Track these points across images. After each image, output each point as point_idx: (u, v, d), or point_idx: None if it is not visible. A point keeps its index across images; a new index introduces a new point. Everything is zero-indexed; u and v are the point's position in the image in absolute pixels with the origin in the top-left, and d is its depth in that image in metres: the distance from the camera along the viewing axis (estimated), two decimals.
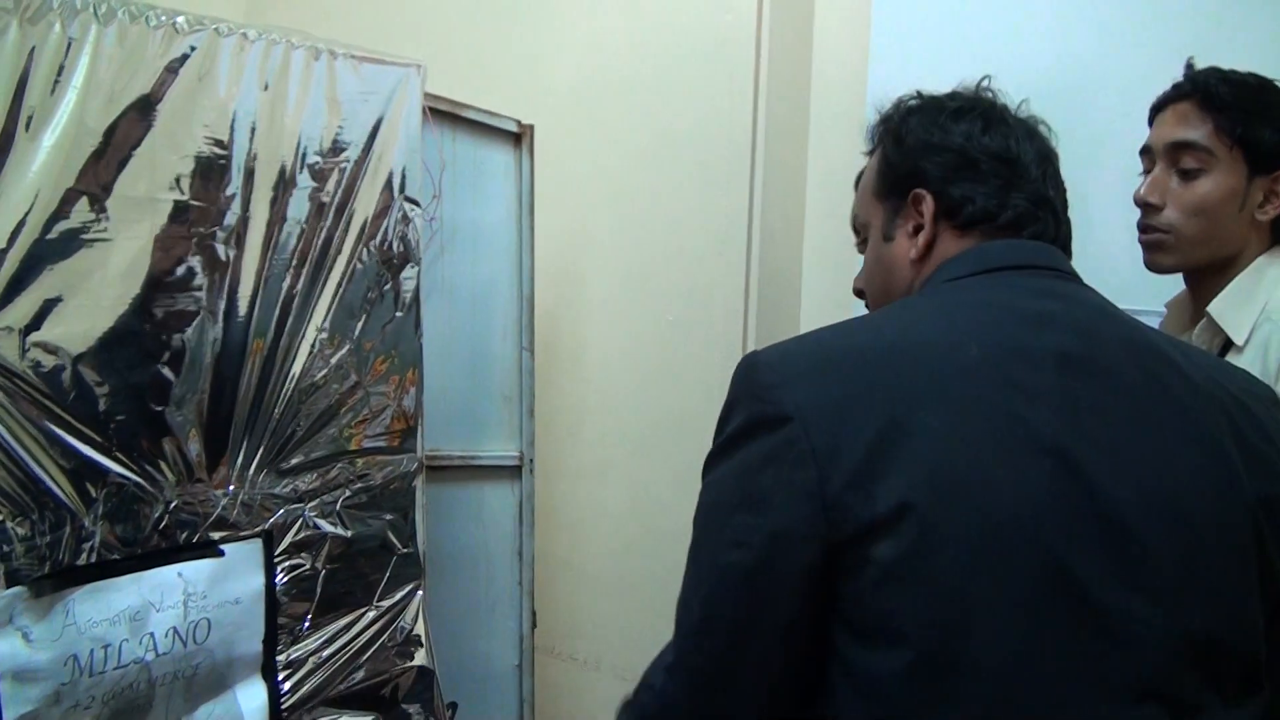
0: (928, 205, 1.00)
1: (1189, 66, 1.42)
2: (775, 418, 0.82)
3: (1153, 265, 1.43)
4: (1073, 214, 1.04)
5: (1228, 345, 1.39)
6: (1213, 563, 0.83)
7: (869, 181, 1.09)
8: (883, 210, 1.05)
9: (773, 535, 0.81)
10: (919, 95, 1.07)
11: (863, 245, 1.14)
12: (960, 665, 0.78)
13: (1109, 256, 1.87)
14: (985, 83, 1.07)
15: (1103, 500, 0.80)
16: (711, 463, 0.88)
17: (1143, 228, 1.42)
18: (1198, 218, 1.37)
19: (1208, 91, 1.36)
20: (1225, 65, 1.43)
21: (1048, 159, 1.01)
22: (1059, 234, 1.00)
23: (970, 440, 0.80)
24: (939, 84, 2.11)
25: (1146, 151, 1.43)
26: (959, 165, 0.99)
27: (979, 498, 0.79)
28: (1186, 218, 1.37)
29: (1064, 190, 1.02)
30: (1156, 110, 1.44)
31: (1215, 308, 1.38)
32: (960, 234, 0.99)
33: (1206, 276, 1.41)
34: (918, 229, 1.01)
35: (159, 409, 1.30)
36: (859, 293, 1.17)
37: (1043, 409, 0.82)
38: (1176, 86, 1.41)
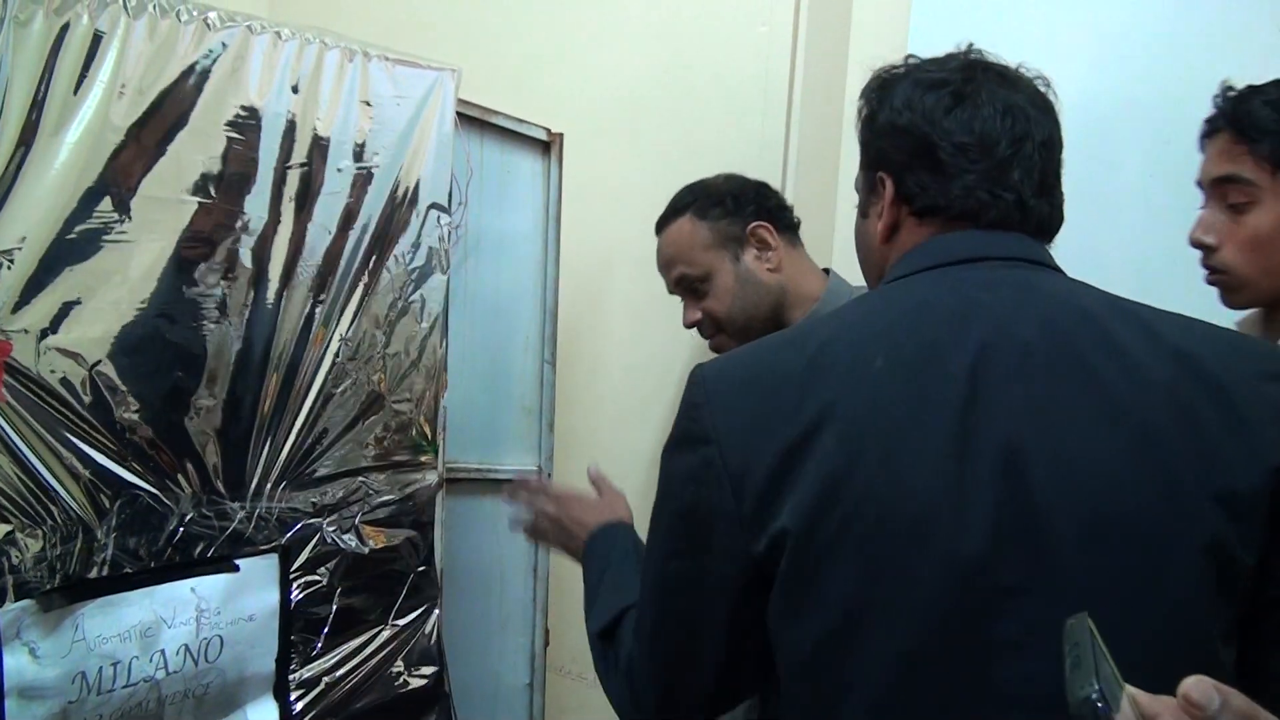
0: (888, 190, 0.98)
1: (1222, 93, 1.32)
2: (699, 437, 0.89)
3: (1227, 304, 1.35)
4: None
5: None
6: (1136, 565, 0.80)
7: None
8: (863, 186, 1.05)
9: (703, 549, 0.89)
10: (903, 63, 1.03)
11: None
12: (844, 676, 0.83)
13: (1141, 256, 1.83)
14: (969, 46, 1.03)
15: (1007, 504, 0.80)
16: (664, 458, 0.95)
17: (1205, 267, 1.34)
18: (1255, 253, 1.28)
19: (1239, 121, 1.28)
20: None
21: (1024, 138, 0.95)
22: (1025, 218, 0.95)
23: (861, 456, 0.83)
24: None
25: (1200, 185, 1.35)
26: (916, 152, 0.96)
27: (865, 514, 0.82)
28: (1243, 255, 1.29)
29: (1037, 169, 0.95)
30: (1202, 141, 1.35)
31: None
32: (919, 221, 0.97)
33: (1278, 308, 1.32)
34: (882, 213, 1.00)
35: (177, 418, 1.26)
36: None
37: (945, 412, 0.82)
38: (1210, 120, 1.33)
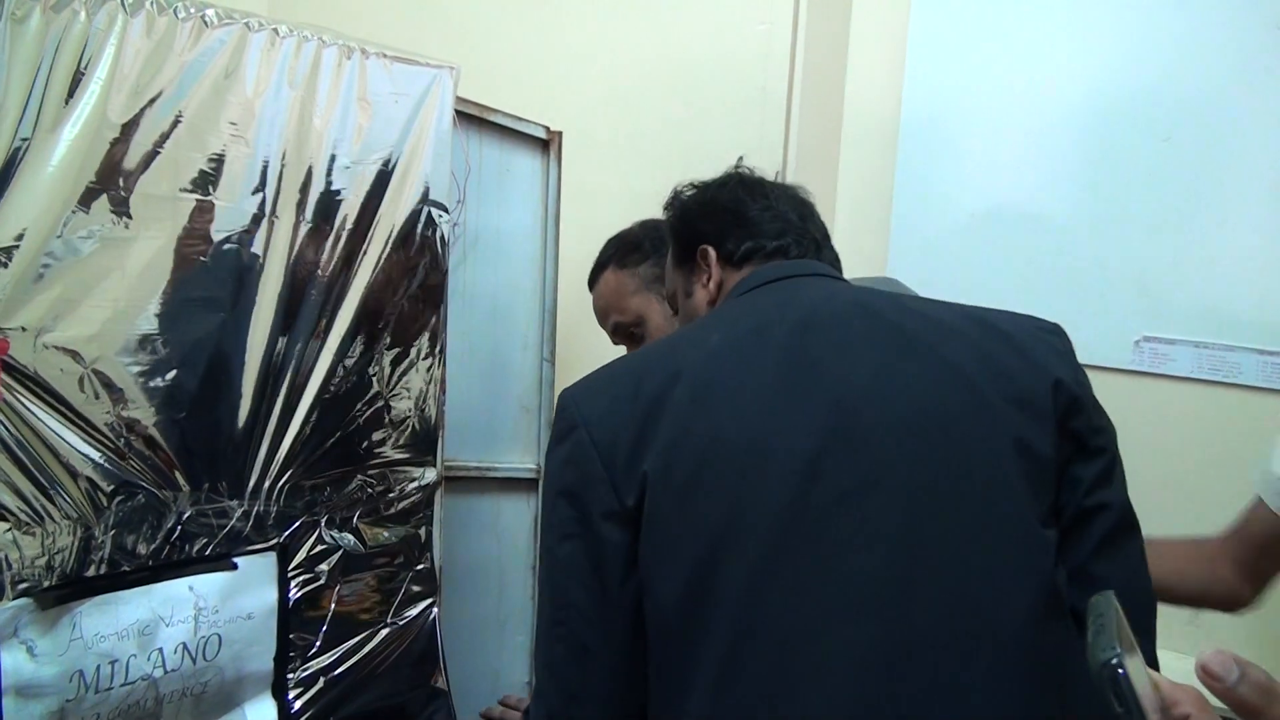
0: (711, 255, 1.21)
1: None
2: (569, 427, 1.01)
3: None
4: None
5: None
6: (952, 459, 0.94)
7: (670, 258, 1.30)
8: (682, 275, 1.26)
9: (586, 521, 0.98)
10: (690, 184, 1.30)
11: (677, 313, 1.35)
12: (713, 603, 0.92)
13: (1142, 255, 1.83)
14: (741, 161, 1.31)
15: (835, 425, 0.94)
16: (545, 463, 1.06)
17: None
18: None
19: None
20: None
21: (805, 205, 1.24)
22: (821, 257, 1.20)
23: (706, 404, 0.97)
24: (973, 100, 2.08)
25: None
26: (730, 220, 1.21)
27: (714, 450, 0.94)
28: None
29: (824, 230, 1.24)
30: None
31: None
32: (738, 270, 1.19)
33: None
34: (709, 278, 1.21)
35: (175, 416, 1.26)
36: None
37: (776, 360, 0.99)
38: None
